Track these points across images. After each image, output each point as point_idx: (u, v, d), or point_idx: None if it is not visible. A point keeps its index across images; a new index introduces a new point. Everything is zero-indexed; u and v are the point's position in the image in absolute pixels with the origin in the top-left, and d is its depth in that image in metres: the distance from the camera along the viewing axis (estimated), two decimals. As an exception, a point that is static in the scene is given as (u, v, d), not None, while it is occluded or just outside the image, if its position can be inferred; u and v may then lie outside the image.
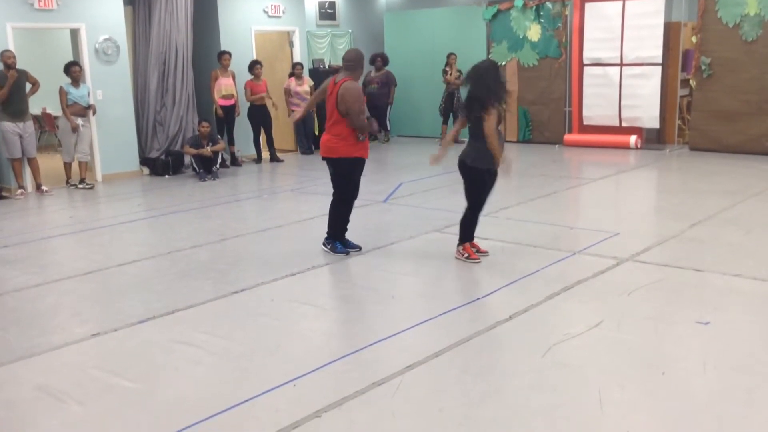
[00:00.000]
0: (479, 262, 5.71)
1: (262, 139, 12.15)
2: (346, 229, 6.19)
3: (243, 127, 12.00)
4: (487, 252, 5.89)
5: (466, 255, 5.75)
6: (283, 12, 12.62)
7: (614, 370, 3.79)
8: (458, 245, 5.83)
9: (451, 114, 13.23)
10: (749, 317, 4.49)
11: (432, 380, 3.73)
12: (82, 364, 4.13)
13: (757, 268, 5.38)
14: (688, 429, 3.17)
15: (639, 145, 11.82)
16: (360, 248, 6.16)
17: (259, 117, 11.85)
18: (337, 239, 6.11)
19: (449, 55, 13.00)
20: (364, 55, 6.07)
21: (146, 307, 5.02)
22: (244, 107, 11.82)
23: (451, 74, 12.84)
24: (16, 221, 8.10)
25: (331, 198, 6.15)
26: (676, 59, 11.67)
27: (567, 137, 12.48)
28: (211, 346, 4.28)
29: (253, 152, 12.44)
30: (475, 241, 5.88)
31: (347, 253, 6.02)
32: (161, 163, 11.03)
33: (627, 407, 3.40)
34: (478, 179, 5.65)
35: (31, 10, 9.66)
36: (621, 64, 11.79)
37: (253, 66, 11.65)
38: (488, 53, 13.39)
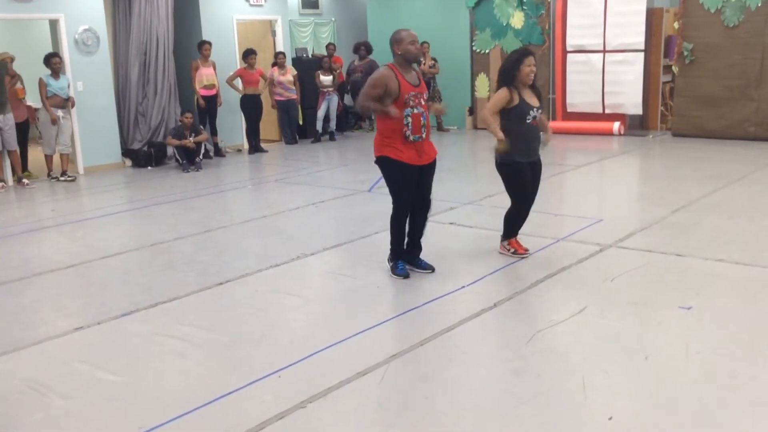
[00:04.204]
0: (526, 256, 5.43)
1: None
2: (418, 246, 5.34)
3: (226, 117, 11.94)
4: (527, 252, 5.56)
5: (512, 250, 5.50)
6: (265, 1, 12.54)
7: (598, 356, 3.81)
8: (502, 240, 5.59)
9: (430, 102, 13.20)
10: (731, 302, 4.53)
11: (417, 369, 3.74)
12: (65, 358, 4.10)
13: (739, 252, 5.42)
14: (671, 413, 3.20)
15: (622, 132, 11.88)
16: (433, 269, 5.29)
17: (252, 107, 11.79)
18: (399, 258, 5.25)
19: (422, 44, 12.95)
20: (397, 34, 5.07)
21: (130, 299, 4.99)
22: (231, 97, 11.77)
23: (425, 63, 12.79)
24: (-3, 215, 8.03)
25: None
26: (658, 45, 11.73)
27: (551, 124, 12.46)
28: (195, 338, 4.27)
29: (238, 142, 12.39)
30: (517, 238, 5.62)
31: (407, 276, 5.16)
32: (144, 154, 10.95)
33: (610, 393, 3.42)
34: (510, 170, 5.37)
35: (9, 0, 9.53)
36: (604, 51, 11.82)
37: (248, 55, 11.58)
38: (471, 41, 13.39)
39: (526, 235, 5.84)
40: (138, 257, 6.11)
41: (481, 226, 6.41)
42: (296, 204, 7.79)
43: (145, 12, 11.01)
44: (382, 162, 5.06)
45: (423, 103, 5.01)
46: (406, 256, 5.31)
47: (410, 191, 5.11)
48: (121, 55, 11.20)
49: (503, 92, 5.26)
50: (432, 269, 5.28)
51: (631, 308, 4.44)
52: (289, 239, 6.44)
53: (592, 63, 11.94)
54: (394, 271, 5.22)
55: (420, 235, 5.33)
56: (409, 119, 4.91)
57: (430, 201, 5.30)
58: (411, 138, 4.93)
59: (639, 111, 11.85)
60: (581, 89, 12.16)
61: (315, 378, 3.66)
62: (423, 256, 5.38)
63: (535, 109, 5.30)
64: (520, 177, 5.38)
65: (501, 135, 5.24)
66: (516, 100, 5.24)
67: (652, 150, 10.71)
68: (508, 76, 5.28)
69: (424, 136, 5.02)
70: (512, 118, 5.27)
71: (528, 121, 5.28)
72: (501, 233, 5.63)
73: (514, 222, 5.54)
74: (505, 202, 5.53)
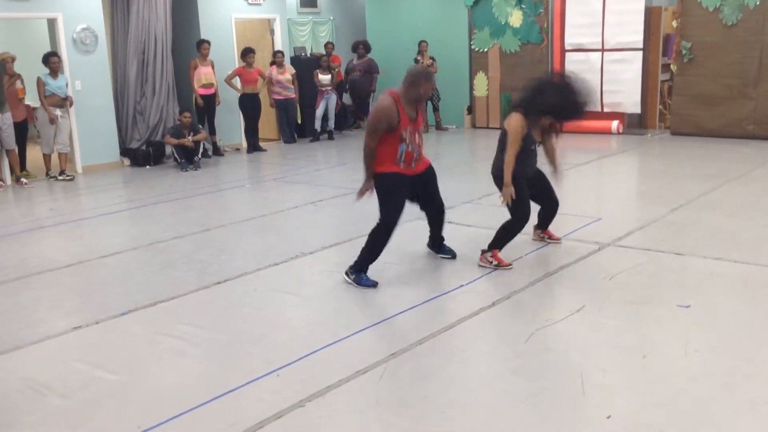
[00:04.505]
0: (511, 268, 5.22)
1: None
2: (441, 238, 5.55)
3: (225, 117, 11.93)
4: (560, 240, 5.77)
5: (495, 263, 5.24)
6: (264, -1, 12.54)
7: (596, 355, 3.82)
8: (486, 251, 5.31)
9: (429, 102, 13.20)
10: (730, 300, 4.53)
11: (416, 367, 3.74)
12: (64, 357, 4.10)
13: (738, 251, 5.42)
14: (669, 411, 3.20)
15: (621, 130, 11.88)
16: (454, 255, 5.51)
17: (251, 106, 11.77)
18: (364, 271, 5.08)
19: (420, 43, 12.97)
20: (429, 76, 5.05)
21: (128, 299, 4.99)
22: (230, 96, 11.77)
23: (423, 62, 12.78)
24: (-4, 214, 8.02)
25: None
26: (657, 44, 11.71)
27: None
28: (194, 337, 4.27)
29: (236, 141, 12.38)
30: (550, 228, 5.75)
31: (375, 285, 5.01)
32: (142, 153, 10.94)
33: (609, 391, 3.42)
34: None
35: (7, -1, 9.54)
36: (602, 50, 11.82)
37: (247, 53, 11.58)
38: (470, 39, 13.38)
39: (524, 233, 5.83)
40: (137, 256, 6.11)
41: (480, 225, 6.41)
42: (295, 203, 7.79)
43: (144, 11, 11.00)
44: (376, 179, 5.03)
45: (418, 138, 5.04)
46: (433, 247, 5.59)
47: (400, 204, 5.03)
48: (120, 54, 11.19)
49: (522, 123, 5.04)
50: (454, 255, 5.52)
51: (630, 307, 4.44)
52: (288, 238, 6.44)
53: (591, 62, 11.93)
54: (359, 282, 5.01)
55: (441, 231, 5.53)
56: (403, 155, 4.96)
57: (443, 204, 5.39)
58: (402, 167, 5.01)
59: (637, 110, 11.85)
60: (580, 88, 12.14)
61: (314, 377, 3.66)
62: (421, 254, 5.45)
63: (536, 144, 5.27)
64: (518, 187, 5.19)
65: (509, 180, 5.09)
66: (525, 131, 5.10)
67: (651, 149, 10.71)
68: (535, 111, 5.06)
69: (413, 166, 5.07)
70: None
71: (532, 148, 5.22)
72: (488, 243, 5.33)
73: (508, 237, 5.29)
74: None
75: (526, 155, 5.21)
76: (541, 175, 5.53)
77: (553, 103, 5.01)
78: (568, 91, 5.02)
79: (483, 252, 5.34)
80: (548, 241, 5.80)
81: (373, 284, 5.00)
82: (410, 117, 4.95)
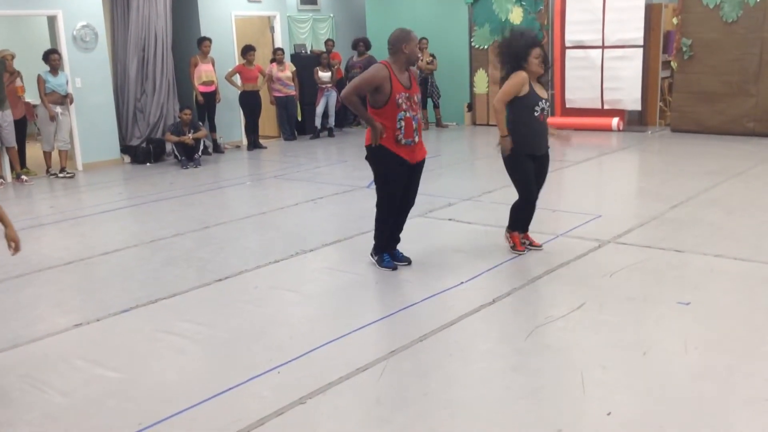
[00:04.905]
0: (523, 253, 5.44)
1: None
2: (397, 240, 5.38)
3: (225, 114, 11.93)
4: (540, 246, 5.56)
5: (511, 244, 5.52)
6: (264, -3, 12.53)
7: (596, 352, 3.82)
8: (506, 231, 5.60)
9: (429, 99, 13.19)
10: (730, 297, 4.53)
11: (416, 365, 3.74)
12: (65, 354, 4.10)
13: (738, 248, 5.43)
14: (669, 409, 3.21)
15: (621, 128, 11.88)
16: (409, 261, 5.34)
17: (251, 103, 11.78)
18: (384, 250, 5.30)
19: (421, 40, 12.94)
20: (406, 34, 4.96)
21: (129, 296, 4.99)
22: (231, 93, 11.76)
23: (422, 59, 12.77)
24: (-4, 211, 8.00)
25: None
26: (657, 41, 11.71)
27: (550, 120, 12.47)
28: (194, 335, 4.27)
29: (236, 139, 12.38)
30: (528, 233, 5.60)
31: (395, 268, 5.24)
32: (142, 150, 10.95)
33: (609, 388, 3.42)
34: (512, 163, 5.32)
35: (7, -3, 9.53)
36: (603, 47, 11.81)
37: (247, 51, 11.58)
38: (470, 37, 13.38)
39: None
40: (137, 254, 6.11)
41: (480, 222, 6.41)
42: (295, 200, 7.79)
43: (144, 8, 10.99)
44: (376, 152, 5.00)
45: (415, 106, 4.99)
46: (388, 249, 5.35)
47: (399, 185, 5.09)
48: (120, 52, 11.18)
49: (523, 76, 5.15)
50: (409, 261, 5.34)
51: (630, 304, 4.45)
52: (288, 235, 6.45)
53: (591, 59, 11.94)
54: (381, 263, 5.26)
55: (401, 230, 5.39)
56: (402, 123, 4.91)
57: (414, 202, 5.37)
58: (403, 141, 4.95)
59: (638, 107, 11.86)
60: (580, 85, 12.16)
61: (314, 374, 3.66)
62: (422, 252, 5.42)
63: (543, 101, 5.24)
64: (522, 169, 5.30)
65: (506, 132, 5.21)
66: (526, 89, 5.17)
67: (651, 146, 10.71)
68: (519, 60, 5.17)
69: (416, 140, 5.02)
70: (520, 109, 5.19)
71: (536, 114, 5.20)
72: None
73: (516, 215, 5.50)
74: (504, 198, 5.58)
75: (532, 123, 5.22)
76: (543, 165, 5.47)
77: (520, 41, 5.22)
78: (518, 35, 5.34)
79: (506, 230, 5.60)
80: (529, 248, 5.60)
81: (393, 267, 5.21)
82: (405, 85, 4.94)
